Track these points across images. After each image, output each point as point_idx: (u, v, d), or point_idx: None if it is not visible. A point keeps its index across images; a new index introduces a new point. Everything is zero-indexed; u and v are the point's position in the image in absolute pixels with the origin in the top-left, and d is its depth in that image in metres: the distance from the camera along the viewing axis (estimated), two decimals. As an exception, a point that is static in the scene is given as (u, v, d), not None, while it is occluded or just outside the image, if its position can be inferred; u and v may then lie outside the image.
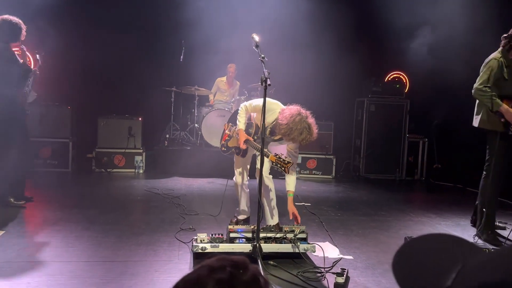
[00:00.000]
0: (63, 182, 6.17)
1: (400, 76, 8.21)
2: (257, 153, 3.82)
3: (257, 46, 3.68)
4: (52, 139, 6.76)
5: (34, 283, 2.80)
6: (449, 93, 6.69)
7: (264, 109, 3.33)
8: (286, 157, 3.46)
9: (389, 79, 8.19)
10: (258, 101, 3.81)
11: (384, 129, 7.50)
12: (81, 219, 4.26)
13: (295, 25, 6.84)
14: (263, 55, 3.57)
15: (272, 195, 4.02)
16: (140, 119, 7.08)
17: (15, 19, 4.48)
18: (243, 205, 4.25)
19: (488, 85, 3.99)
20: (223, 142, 4.22)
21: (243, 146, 3.80)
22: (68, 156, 6.80)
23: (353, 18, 7.32)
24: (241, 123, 3.86)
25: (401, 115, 7.54)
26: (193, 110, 7.19)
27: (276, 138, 3.80)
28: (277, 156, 3.43)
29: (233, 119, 4.17)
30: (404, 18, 7.02)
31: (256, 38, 3.71)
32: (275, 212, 4.00)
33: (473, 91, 4.11)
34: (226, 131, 4.22)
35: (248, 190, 4.26)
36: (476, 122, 4.30)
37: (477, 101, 4.30)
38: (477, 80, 4.09)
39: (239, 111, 3.93)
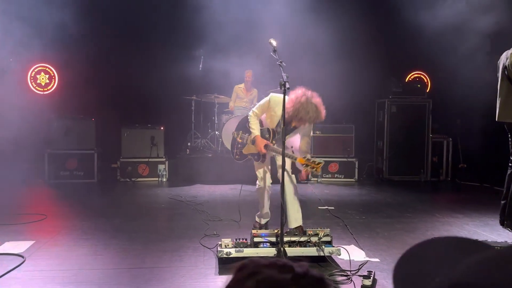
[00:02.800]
0: (89, 193, 6.29)
1: (421, 76, 8.11)
2: (277, 156, 3.90)
3: (274, 51, 3.70)
4: (78, 151, 6.91)
5: (64, 290, 2.86)
6: (472, 91, 6.56)
7: (283, 113, 3.35)
8: (314, 158, 3.50)
9: (410, 79, 8.09)
10: (263, 100, 3.98)
11: (407, 130, 7.40)
12: (108, 228, 4.33)
13: (314, 27, 6.81)
14: (281, 60, 3.59)
15: (295, 195, 3.95)
16: (162, 128, 7.17)
17: None
18: (267, 208, 4.25)
19: None
20: (235, 150, 4.23)
21: (263, 151, 3.84)
22: (94, 167, 6.94)
23: (371, 18, 7.29)
24: (255, 130, 3.91)
25: (423, 115, 7.43)
26: (213, 117, 7.25)
27: (292, 126, 3.80)
28: (306, 158, 3.49)
29: (241, 127, 4.22)
30: (424, 16, 6.95)
31: (274, 43, 3.74)
32: (299, 214, 3.95)
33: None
34: (238, 139, 4.18)
35: (271, 192, 4.25)
36: (503, 115, 4.20)
37: (502, 92, 4.21)
38: None
39: (249, 119, 3.97)
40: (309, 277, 0.83)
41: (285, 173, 3.65)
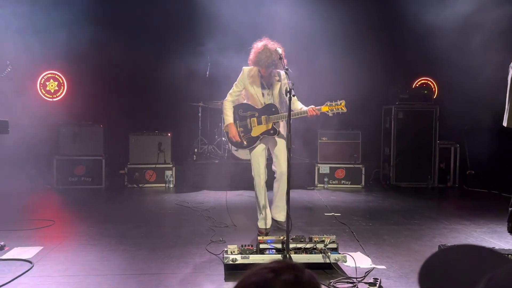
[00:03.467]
0: (97, 198, 6.33)
1: (428, 82, 8.08)
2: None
3: (281, 58, 3.75)
4: (86, 157, 6.97)
5: (72, 296, 2.89)
6: (479, 97, 6.53)
7: (289, 119, 3.36)
8: (333, 101, 3.88)
9: (417, 85, 8.07)
10: (237, 80, 4.23)
11: (414, 136, 7.38)
12: (115, 234, 4.36)
13: (320, 33, 6.84)
14: (287, 67, 3.63)
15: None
16: (169, 134, 7.22)
17: None
18: (269, 209, 4.31)
19: None
20: (240, 140, 4.19)
21: (238, 139, 4.13)
22: (102, 173, 6.99)
23: (378, 24, 7.30)
24: (229, 117, 4.18)
25: (430, 121, 7.40)
26: (220, 124, 7.28)
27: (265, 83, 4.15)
28: (327, 104, 3.86)
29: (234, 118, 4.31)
30: (430, 22, 6.94)
31: (280, 51, 3.78)
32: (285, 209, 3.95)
33: None
34: (238, 129, 4.22)
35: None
36: (510, 122, 4.19)
37: (509, 99, 4.20)
38: None
39: (224, 105, 4.24)
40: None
41: (284, 164, 4.01)
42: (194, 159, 7.20)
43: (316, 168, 7.21)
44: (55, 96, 7.53)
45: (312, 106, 3.92)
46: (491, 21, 6.43)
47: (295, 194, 5.98)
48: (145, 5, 7.30)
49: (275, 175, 4.26)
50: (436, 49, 7.07)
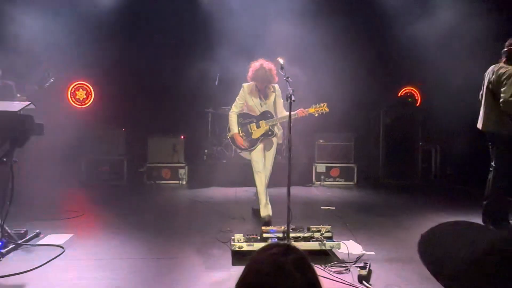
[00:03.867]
0: (119, 193, 6.35)
1: (412, 91, 8.09)
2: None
3: (282, 68, 3.77)
4: (110, 157, 7.01)
5: (99, 277, 2.92)
6: (458, 105, 6.52)
7: (290, 123, 3.39)
8: (317, 104, 4.14)
9: (402, 94, 8.08)
10: (238, 95, 4.44)
11: (400, 139, 7.37)
12: (135, 223, 4.39)
13: (318, 46, 6.83)
14: (287, 76, 3.65)
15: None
16: (182, 137, 7.24)
17: None
18: (268, 200, 4.40)
19: None
20: (243, 144, 4.39)
21: (245, 145, 4.38)
22: (123, 171, 7.02)
23: (369, 39, 7.32)
24: (234, 128, 4.42)
25: (414, 126, 7.41)
26: (228, 127, 7.28)
27: (267, 98, 4.40)
28: (313, 106, 4.12)
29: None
30: (414, 36, 6.97)
31: (281, 61, 3.80)
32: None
33: (504, 103, 3.84)
34: (240, 134, 4.42)
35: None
36: (487, 125, 4.14)
37: (486, 103, 4.14)
38: (505, 92, 3.83)
39: (230, 118, 4.46)
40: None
41: (268, 167, 4.40)
42: (205, 159, 7.22)
43: (314, 167, 7.21)
44: (83, 103, 7.59)
45: (301, 108, 4.15)
46: (469, 35, 6.45)
47: (295, 190, 5.98)
48: (163, 22, 7.36)
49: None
50: (419, 63, 7.08)
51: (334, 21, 6.94)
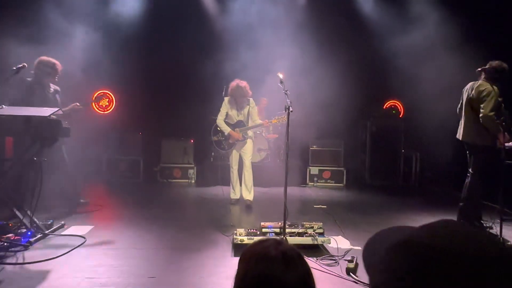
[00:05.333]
0: (135, 189, 6.34)
1: (396, 104, 8.07)
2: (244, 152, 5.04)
3: (281, 82, 3.75)
4: (128, 157, 7.00)
5: (115, 264, 2.91)
6: (437, 116, 6.50)
7: (287, 131, 3.38)
8: (279, 115, 5.10)
9: (387, 106, 8.06)
10: (222, 107, 5.03)
11: (384, 146, 7.35)
12: (149, 217, 4.38)
13: (313, 59, 6.82)
14: (286, 89, 3.64)
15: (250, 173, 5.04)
16: (192, 141, 7.23)
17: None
18: (238, 187, 5.11)
19: (494, 113, 3.78)
20: (222, 145, 5.08)
21: (241, 138, 4.93)
22: (140, 170, 7.01)
23: (358, 55, 7.32)
24: (227, 129, 4.94)
25: (397, 134, 7.39)
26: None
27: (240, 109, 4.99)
28: (276, 117, 4.98)
29: (215, 132, 5.17)
30: (398, 52, 6.97)
31: (280, 76, 3.79)
32: (252, 189, 5.02)
33: (483, 118, 3.78)
34: (221, 138, 5.07)
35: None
36: (467, 136, 4.11)
37: (466, 117, 4.11)
38: (484, 108, 3.78)
39: (219, 125, 5.00)
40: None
41: (248, 161, 4.96)
42: (212, 160, 7.21)
43: (308, 169, 7.19)
44: (106, 110, 7.60)
45: (266, 119, 5.09)
46: (447, 51, 6.46)
47: (291, 190, 5.94)
48: (175, 37, 7.40)
49: (243, 167, 5.03)
50: (402, 78, 7.08)
51: (329, 43, 6.96)
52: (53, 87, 4.38)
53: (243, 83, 4.84)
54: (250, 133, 5.06)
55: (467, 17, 6.39)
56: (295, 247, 0.99)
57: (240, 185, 5.11)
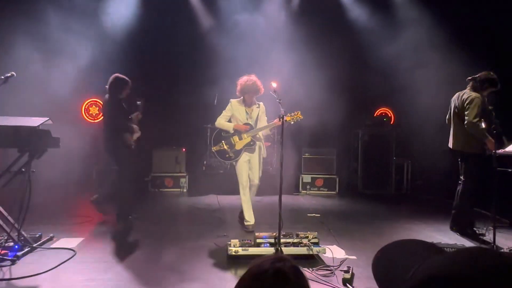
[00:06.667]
0: (126, 200, 6.24)
1: (387, 112, 8.16)
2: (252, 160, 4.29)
3: (274, 91, 3.76)
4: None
5: (106, 279, 2.83)
6: (427, 124, 6.60)
7: (282, 140, 3.37)
8: (292, 112, 4.05)
9: (378, 114, 8.15)
10: (226, 109, 4.37)
11: (376, 154, 7.40)
12: (141, 228, 4.30)
13: (304, 67, 6.86)
14: (279, 99, 3.65)
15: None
16: (183, 150, 7.18)
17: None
18: (251, 210, 4.31)
19: (478, 119, 3.88)
20: (227, 155, 4.26)
21: (247, 128, 4.22)
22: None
23: (349, 66, 7.40)
24: (230, 125, 4.26)
25: (388, 142, 7.45)
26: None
27: (253, 109, 4.30)
28: (288, 115, 3.95)
29: (216, 140, 4.36)
30: (389, 62, 7.08)
31: (274, 85, 3.80)
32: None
33: (468, 124, 3.90)
34: (225, 147, 4.26)
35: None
36: (456, 145, 4.19)
37: (454, 126, 4.20)
38: (468, 116, 3.90)
39: (218, 125, 4.33)
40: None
41: (257, 177, 4.23)
42: (204, 169, 7.16)
43: (300, 177, 7.19)
44: (96, 118, 7.50)
45: (277, 118, 3.99)
46: (436, 58, 6.59)
47: (284, 198, 5.93)
48: (165, 45, 7.39)
49: (250, 183, 4.31)
50: (393, 86, 7.18)
51: (322, 53, 7.03)
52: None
53: (255, 78, 4.18)
54: (260, 136, 4.36)
55: (456, 24, 6.53)
56: (295, 264, 0.97)
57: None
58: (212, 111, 7.23)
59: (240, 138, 4.26)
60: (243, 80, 4.17)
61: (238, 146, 4.27)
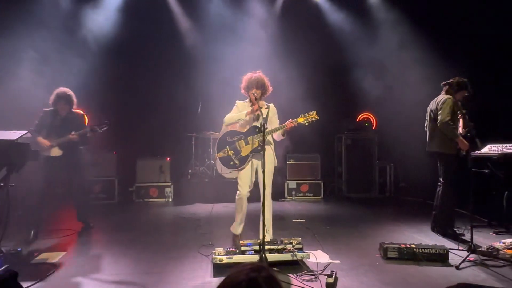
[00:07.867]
0: (110, 211, 6.16)
1: (369, 116, 8.32)
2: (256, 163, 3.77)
3: (256, 99, 3.80)
4: (102, 178, 6.82)
5: (89, 293, 2.80)
6: (408, 128, 6.76)
7: (263, 145, 3.41)
8: (306, 113, 3.63)
9: (360, 119, 8.30)
10: (233, 110, 3.91)
11: (359, 158, 7.54)
12: (125, 240, 4.26)
13: (285, 73, 6.94)
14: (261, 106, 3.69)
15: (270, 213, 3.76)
16: (168, 159, 7.15)
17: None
18: (243, 218, 3.87)
19: (449, 118, 4.08)
20: (232, 162, 3.77)
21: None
22: (114, 191, 6.84)
23: (331, 71, 7.54)
24: (241, 114, 3.76)
25: (371, 146, 7.61)
26: (209, 149, 7.28)
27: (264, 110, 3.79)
28: (302, 116, 3.59)
29: (220, 147, 3.85)
30: (368, 69, 7.26)
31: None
32: (271, 228, 3.78)
33: (440, 124, 4.09)
34: (229, 153, 3.78)
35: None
36: (432, 147, 4.35)
37: (430, 129, 4.36)
38: (441, 115, 4.10)
39: (228, 119, 3.81)
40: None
41: (267, 190, 3.55)
42: (189, 178, 7.14)
43: (286, 183, 7.25)
44: (77, 129, 7.38)
45: (290, 119, 3.62)
46: (415, 63, 6.78)
47: (269, 204, 6.01)
48: (150, 55, 7.38)
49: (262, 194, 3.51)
50: (374, 91, 7.35)
51: (301, 55, 7.14)
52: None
53: (262, 74, 3.79)
54: (268, 147, 3.77)
55: (434, 30, 6.75)
56: (271, 273, 1.01)
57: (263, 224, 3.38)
58: (196, 119, 7.29)
59: (247, 143, 3.75)
60: (248, 75, 3.75)
61: (244, 152, 3.75)
